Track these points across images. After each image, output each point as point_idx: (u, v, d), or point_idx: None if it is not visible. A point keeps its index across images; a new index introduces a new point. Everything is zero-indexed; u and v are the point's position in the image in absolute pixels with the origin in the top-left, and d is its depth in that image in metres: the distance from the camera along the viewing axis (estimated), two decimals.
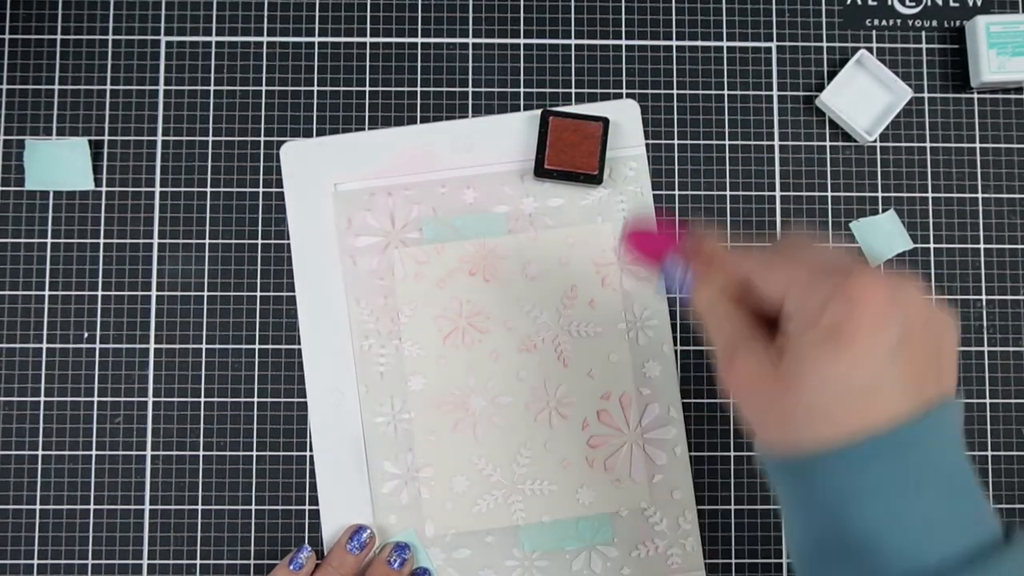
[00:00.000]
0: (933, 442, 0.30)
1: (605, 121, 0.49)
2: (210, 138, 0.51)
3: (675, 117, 0.52)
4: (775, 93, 0.52)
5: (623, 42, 0.52)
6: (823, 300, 0.30)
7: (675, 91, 0.52)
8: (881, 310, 0.29)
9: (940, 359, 0.31)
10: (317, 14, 0.52)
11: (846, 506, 0.30)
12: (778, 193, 0.52)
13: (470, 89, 0.52)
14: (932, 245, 0.52)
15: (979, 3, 0.53)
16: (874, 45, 0.52)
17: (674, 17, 0.52)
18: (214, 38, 0.52)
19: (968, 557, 0.29)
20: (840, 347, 0.29)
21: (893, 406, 0.30)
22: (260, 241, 0.51)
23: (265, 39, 0.52)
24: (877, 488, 0.29)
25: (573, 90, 0.52)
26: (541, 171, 0.49)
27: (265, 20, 0.52)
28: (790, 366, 0.30)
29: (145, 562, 0.49)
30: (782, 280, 0.32)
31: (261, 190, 0.51)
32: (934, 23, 0.53)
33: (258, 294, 0.50)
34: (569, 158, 0.49)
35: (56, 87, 0.51)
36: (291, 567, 0.47)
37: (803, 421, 0.30)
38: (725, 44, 0.52)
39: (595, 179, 0.49)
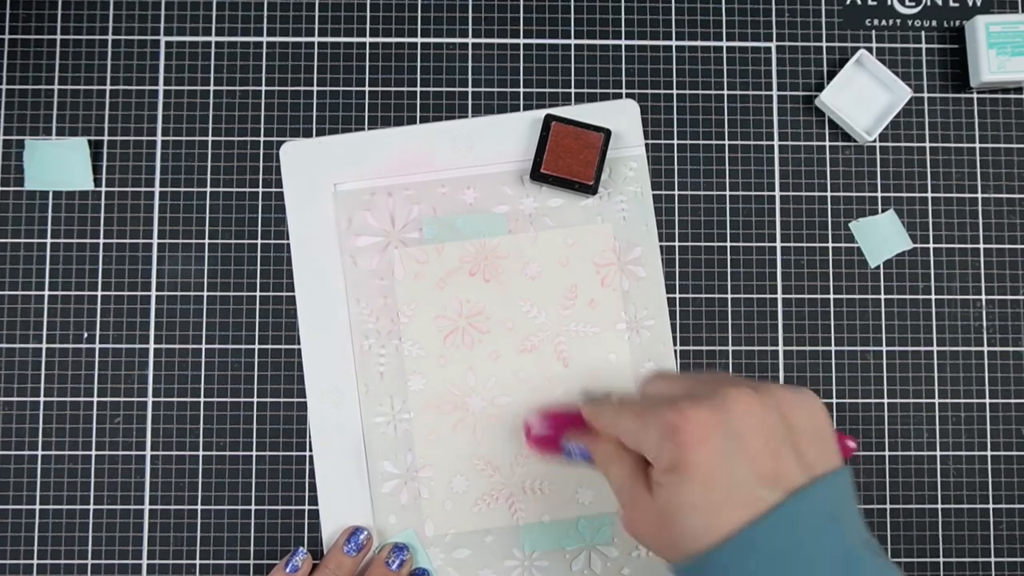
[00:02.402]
0: (802, 525, 0.32)
1: (607, 132, 0.49)
2: (210, 138, 0.51)
3: (675, 117, 0.52)
4: (775, 93, 0.52)
5: (623, 42, 0.52)
6: (657, 443, 0.34)
7: (675, 91, 0.52)
8: (700, 431, 0.33)
9: (795, 441, 0.34)
10: (317, 14, 0.52)
11: None
12: (778, 193, 0.52)
13: (470, 89, 0.52)
14: (932, 245, 0.52)
15: (979, 3, 0.53)
16: (874, 45, 0.52)
17: (674, 17, 0.52)
18: (214, 38, 0.52)
19: None
20: (684, 479, 0.33)
21: (754, 503, 0.32)
22: (260, 241, 0.51)
23: (265, 39, 0.52)
24: None
25: (573, 90, 0.52)
26: (537, 175, 0.49)
27: (265, 20, 0.52)
28: (660, 504, 0.35)
29: (145, 562, 0.49)
30: (632, 436, 0.37)
31: (261, 190, 0.51)
32: (934, 23, 0.53)
33: (258, 294, 0.50)
34: (567, 165, 0.49)
35: (56, 87, 0.51)
36: (287, 569, 0.47)
37: (686, 542, 0.33)
38: (725, 44, 0.52)
39: (590, 189, 0.49)
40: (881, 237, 0.51)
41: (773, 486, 0.32)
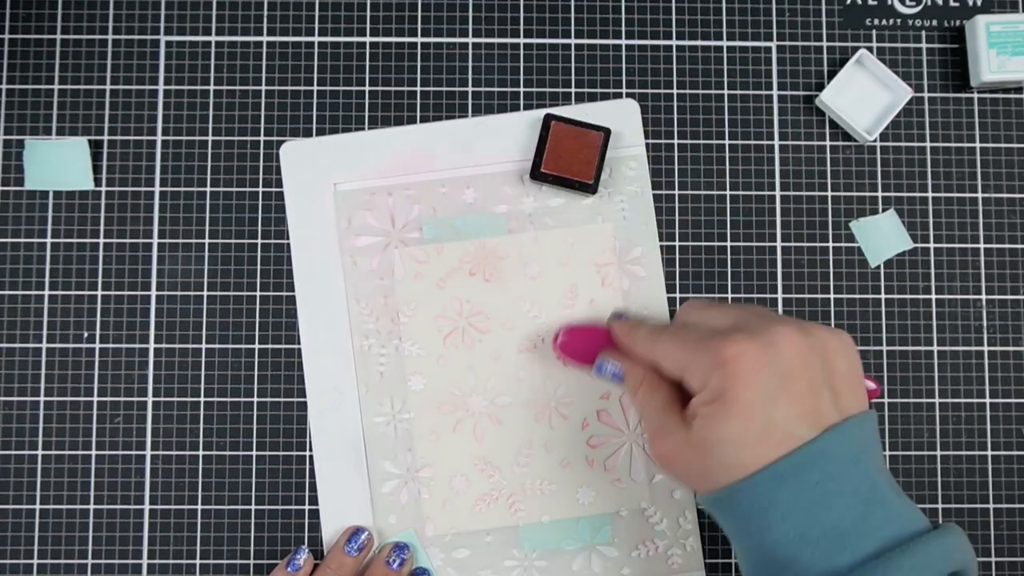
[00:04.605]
0: (833, 460, 0.33)
1: (607, 131, 0.49)
2: (210, 138, 0.51)
3: (675, 117, 0.52)
4: (775, 93, 0.52)
5: (623, 42, 0.52)
6: (705, 373, 0.35)
7: (675, 91, 0.52)
8: (751, 366, 0.34)
9: (833, 383, 0.35)
10: (317, 14, 0.52)
11: (762, 529, 0.34)
12: (778, 193, 0.52)
13: (470, 89, 0.52)
14: (932, 245, 0.52)
15: (979, 3, 0.53)
16: (874, 45, 0.52)
17: (674, 17, 0.52)
18: (214, 38, 0.52)
19: (878, 553, 0.32)
20: (726, 410, 0.34)
21: (790, 440, 0.33)
22: (260, 241, 0.51)
23: (265, 39, 0.52)
24: (784, 509, 0.33)
25: (573, 90, 0.52)
26: (537, 174, 0.49)
27: (265, 20, 0.52)
28: (696, 435, 0.35)
29: (145, 562, 0.49)
30: (677, 362, 0.37)
31: (261, 190, 0.51)
32: (934, 23, 0.53)
33: (258, 294, 0.50)
34: (567, 164, 0.49)
35: (56, 87, 0.51)
36: (289, 569, 0.47)
37: (719, 474, 0.35)
38: (725, 44, 0.52)
39: (590, 188, 0.49)
40: (881, 237, 0.51)
41: (811, 425, 0.33)
